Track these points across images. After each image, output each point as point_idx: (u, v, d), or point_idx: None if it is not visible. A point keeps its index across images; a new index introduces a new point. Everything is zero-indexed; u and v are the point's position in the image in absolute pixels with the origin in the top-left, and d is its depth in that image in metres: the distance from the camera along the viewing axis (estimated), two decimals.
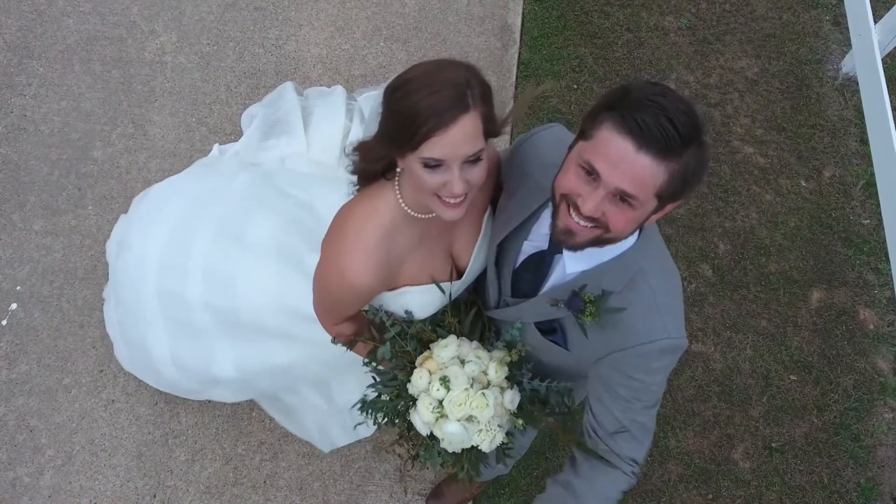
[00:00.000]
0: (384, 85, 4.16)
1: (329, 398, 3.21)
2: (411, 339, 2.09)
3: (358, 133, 3.97)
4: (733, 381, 3.54)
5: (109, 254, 3.52)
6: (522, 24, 4.48)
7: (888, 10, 4.13)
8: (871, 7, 4.49)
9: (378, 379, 2.14)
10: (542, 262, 1.96)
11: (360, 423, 2.32)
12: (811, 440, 3.44)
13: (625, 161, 1.58)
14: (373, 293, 1.99)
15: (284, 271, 2.88)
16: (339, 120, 3.97)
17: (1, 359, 3.59)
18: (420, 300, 2.07)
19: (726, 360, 3.58)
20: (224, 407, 3.50)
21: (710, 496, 3.36)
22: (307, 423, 3.28)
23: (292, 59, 4.34)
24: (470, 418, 1.95)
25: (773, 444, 3.43)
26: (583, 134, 1.70)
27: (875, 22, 4.04)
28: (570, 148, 1.75)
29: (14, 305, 3.70)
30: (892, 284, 3.56)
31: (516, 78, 4.31)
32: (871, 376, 3.56)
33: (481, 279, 2.22)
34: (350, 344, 2.19)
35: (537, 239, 1.98)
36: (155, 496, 3.37)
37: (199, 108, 4.19)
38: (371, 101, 4.08)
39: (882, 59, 4.03)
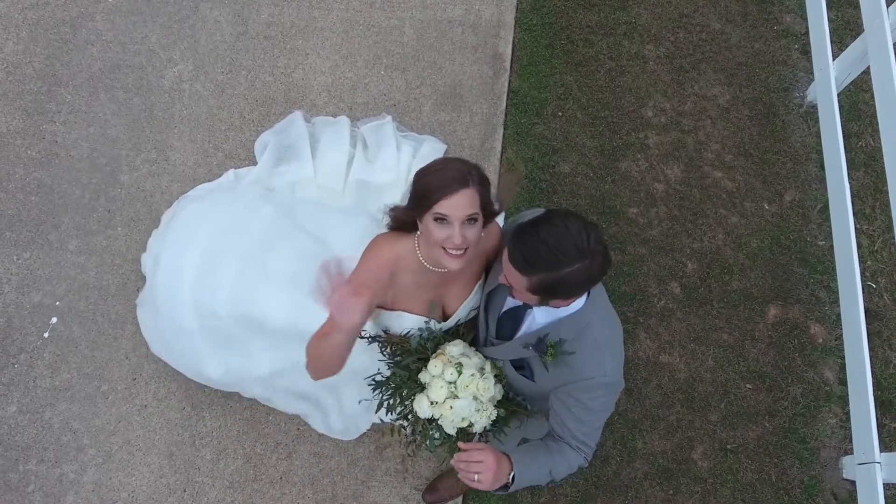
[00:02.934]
0: (385, 115, 4.62)
1: (340, 403, 3.76)
2: (430, 341, 2.74)
3: (360, 159, 4.44)
4: (695, 389, 4.05)
5: (145, 266, 4.06)
6: (513, 53, 4.91)
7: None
8: (841, 36, 4.93)
9: (393, 363, 2.71)
10: (518, 314, 2.55)
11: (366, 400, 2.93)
12: (762, 442, 3.95)
13: (507, 266, 2.35)
14: (375, 284, 2.65)
15: (299, 299, 3.41)
16: (344, 147, 4.45)
17: (45, 368, 4.10)
18: (407, 323, 2.80)
19: (690, 370, 4.09)
20: (244, 411, 4.02)
21: (672, 492, 3.88)
22: (331, 422, 3.85)
23: (300, 86, 4.78)
24: (475, 397, 2.60)
25: (729, 446, 3.95)
26: None
27: (834, 58, 4.46)
28: None
29: (54, 319, 4.21)
30: (840, 302, 4.04)
31: (506, 105, 4.75)
32: (818, 386, 4.07)
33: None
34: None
35: None
36: (185, 490, 3.90)
37: (215, 135, 4.64)
38: (373, 130, 4.54)
39: (839, 93, 4.47)
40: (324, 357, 2.58)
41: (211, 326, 3.57)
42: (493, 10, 5.04)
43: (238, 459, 3.96)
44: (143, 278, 4.09)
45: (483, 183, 2.45)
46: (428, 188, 2.40)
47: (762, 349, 4.15)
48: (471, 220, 2.42)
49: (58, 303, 4.25)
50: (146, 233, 4.40)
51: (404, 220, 2.62)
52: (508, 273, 2.35)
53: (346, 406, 3.75)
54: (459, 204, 2.39)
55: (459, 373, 2.58)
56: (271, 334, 3.47)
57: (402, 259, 2.62)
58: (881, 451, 3.58)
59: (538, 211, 2.68)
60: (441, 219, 2.41)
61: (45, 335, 4.18)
